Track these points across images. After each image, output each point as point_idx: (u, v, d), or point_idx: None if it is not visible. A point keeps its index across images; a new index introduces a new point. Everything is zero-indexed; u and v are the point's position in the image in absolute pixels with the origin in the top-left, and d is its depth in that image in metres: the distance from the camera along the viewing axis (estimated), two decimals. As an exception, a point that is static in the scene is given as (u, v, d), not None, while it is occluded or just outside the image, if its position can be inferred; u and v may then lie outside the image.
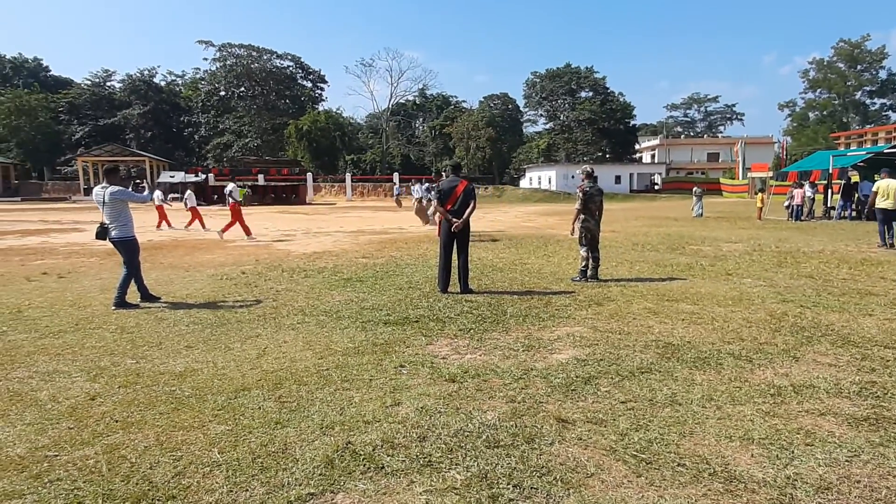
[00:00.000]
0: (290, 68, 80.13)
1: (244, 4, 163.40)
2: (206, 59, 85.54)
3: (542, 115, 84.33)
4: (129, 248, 6.98)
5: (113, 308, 6.63)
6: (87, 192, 55.69)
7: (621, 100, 75.55)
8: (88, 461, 2.98)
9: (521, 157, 79.18)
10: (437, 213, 8.43)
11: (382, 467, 2.91)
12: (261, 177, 49.89)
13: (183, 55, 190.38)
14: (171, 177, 54.44)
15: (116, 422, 3.48)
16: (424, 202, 21.42)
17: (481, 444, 3.16)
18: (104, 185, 6.89)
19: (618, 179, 58.68)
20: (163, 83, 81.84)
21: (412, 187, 28.01)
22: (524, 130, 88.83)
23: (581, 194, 8.40)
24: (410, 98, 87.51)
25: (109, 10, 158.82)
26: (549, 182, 58.99)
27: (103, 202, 6.81)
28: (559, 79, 77.46)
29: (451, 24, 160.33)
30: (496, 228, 18.96)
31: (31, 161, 71.08)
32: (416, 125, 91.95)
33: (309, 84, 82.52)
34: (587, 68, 77.46)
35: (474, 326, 5.75)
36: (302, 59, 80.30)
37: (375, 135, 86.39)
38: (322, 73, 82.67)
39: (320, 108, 79.34)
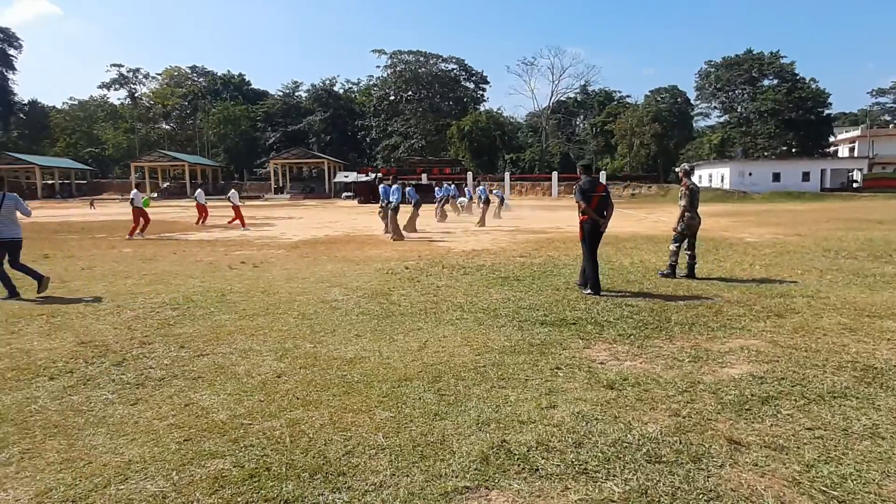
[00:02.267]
0: (455, 71, 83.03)
1: (413, 14, 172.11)
2: (378, 66, 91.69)
3: (715, 107, 78.13)
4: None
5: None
6: (278, 190, 62.65)
7: (812, 87, 67.34)
8: (275, 432, 3.36)
9: (690, 153, 73.96)
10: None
11: (537, 469, 2.90)
12: (424, 176, 52.30)
13: (359, 64, 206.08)
14: (346, 176, 59.20)
15: (297, 399, 3.88)
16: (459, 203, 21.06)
17: (641, 457, 3.02)
18: None
19: (805, 176, 51.61)
20: (341, 91, 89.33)
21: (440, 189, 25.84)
22: (694, 125, 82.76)
23: (688, 192, 8.43)
24: (571, 95, 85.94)
25: (301, 27, 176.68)
26: (722, 180, 54.07)
27: None
28: (738, 67, 71.04)
29: (616, 16, 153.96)
30: (660, 230, 17.92)
31: (233, 164, 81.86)
32: (577, 122, 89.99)
33: (471, 85, 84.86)
34: (771, 53, 70.18)
35: (635, 332, 5.50)
36: (465, 62, 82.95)
37: (535, 133, 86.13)
38: (484, 74, 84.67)
39: (482, 109, 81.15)
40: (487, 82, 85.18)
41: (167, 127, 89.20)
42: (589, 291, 7.34)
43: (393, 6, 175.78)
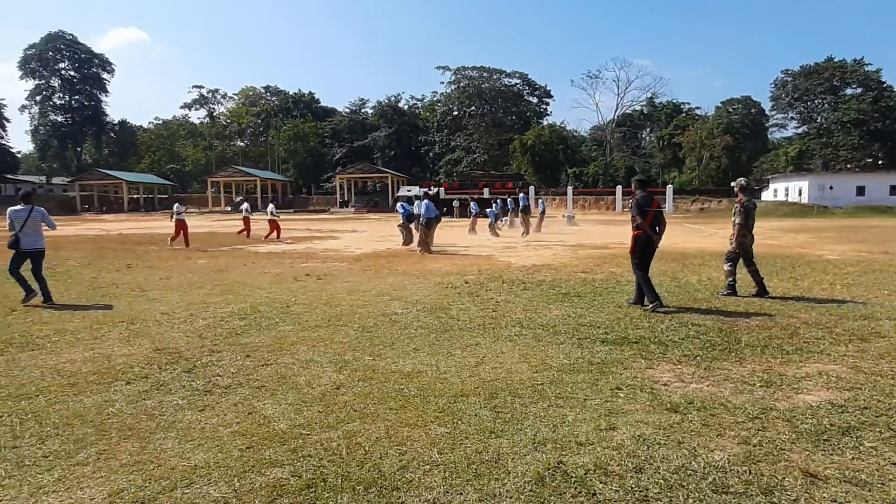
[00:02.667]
0: (518, 85, 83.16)
1: (478, 30, 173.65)
2: (442, 82, 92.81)
3: (793, 118, 74.50)
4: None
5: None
6: (343, 204, 64.39)
7: (902, 95, 62.95)
8: (332, 443, 3.42)
9: (765, 166, 70.61)
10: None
11: (594, 494, 2.82)
12: (486, 190, 52.34)
13: (424, 80, 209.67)
14: (409, 190, 60.04)
15: (355, 411, 3.93)
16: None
17: (706, 486, 2.87)
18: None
19: (894, 190, 48.08)
20: (405, 107, 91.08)
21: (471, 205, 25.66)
22: (769, 136, 79.14)
23: (742, 209, 8.13)
24: (637, 108, 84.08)
25: (369, 46, 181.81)
26: (800, 194, 51.18)
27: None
28: (817, 75, 67.58)
29: (686, 26, 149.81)
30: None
31: (302, 178, 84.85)
32: (643, 136, 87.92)
33: (535, 100, 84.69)
34: (855, 61, 66.43)
35: (701, 353, 5.27)
36: (529, 76, 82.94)
37: (599, 147, 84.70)
38: (548, 88, 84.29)
39: (545, 123, 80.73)
40: (551, 96, 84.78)
41: (241, 144, 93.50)
42: (649, 307, 7.15)
43: (459, 23, 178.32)
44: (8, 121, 78.60)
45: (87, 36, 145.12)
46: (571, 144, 79.82)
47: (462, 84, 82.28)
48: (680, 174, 75.75)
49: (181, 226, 18.20)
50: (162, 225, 35.68)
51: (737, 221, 8.17)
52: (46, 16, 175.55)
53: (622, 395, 4.21)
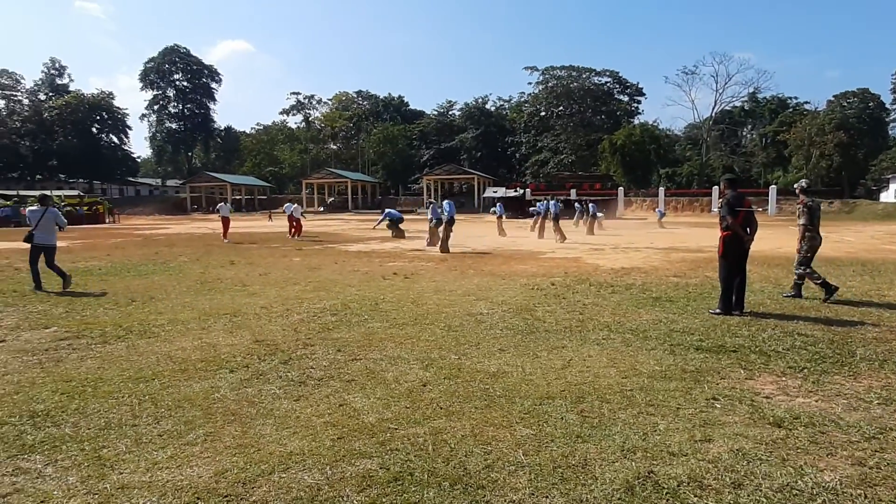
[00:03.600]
0: (608, 84, 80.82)
1: (568, 28, 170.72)
2: (530, 83, 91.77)
3: (918, 111, 67.29)
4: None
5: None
6: (430, 205, 65.30)
7: None
8: (418, 439, 3.48)
9: (884, 164, 64.26)
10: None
11: (688, 507, 2.69)
12: (573, 191, 51.38)
13: (511, 81, 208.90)
14: (494, 192, 60.07)
15: (441, 408, 3.99)
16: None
17: (814, 508, 2.67)
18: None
19: None
20: (492, 108, 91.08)
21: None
22: (889, 132, 72.04)
23: (806, 209, 8.08)
24: (738, 104, 79.12)
25: (458, 48, 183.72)
26: (927, 195, 46.30)
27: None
28: (949, 63, 60.62)
29: (794, 14, 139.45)
30: (843, 251, 15.83)
31: (390, 180, 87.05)
32: (743, 133, 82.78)
33: (625, 98, 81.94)
34: None
35: (809, 365, 4.90)
36: (619, 74, 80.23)
37: (694, 146, 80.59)
38: (640, 85, 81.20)
39: (636, 122, 77.94)
40: (643, 94, 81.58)
41: (334, 147, 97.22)
42: (715, 311, 7.05)
43: (547, 22, 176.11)
44: (130, 128, 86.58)
45: (198, 48, 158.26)
46: (664, 144, 76.48)
47: (550, 84, 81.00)
48: (785, 174, 70.55)
49: (291, 220, 23.26)
50: (260, 225, 37.83)
51: (801, 223, 8.19)
52: (166, 31, 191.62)
53: (719, 405, 4.00)
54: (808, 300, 7.97)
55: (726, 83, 75.80)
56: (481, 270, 11.72)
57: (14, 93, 79.24)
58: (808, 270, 8.08)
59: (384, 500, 2.79)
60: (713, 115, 76.97)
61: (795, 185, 8.58)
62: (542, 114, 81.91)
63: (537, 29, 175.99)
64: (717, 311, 7.06)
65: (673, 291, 8.76)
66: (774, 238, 19.88)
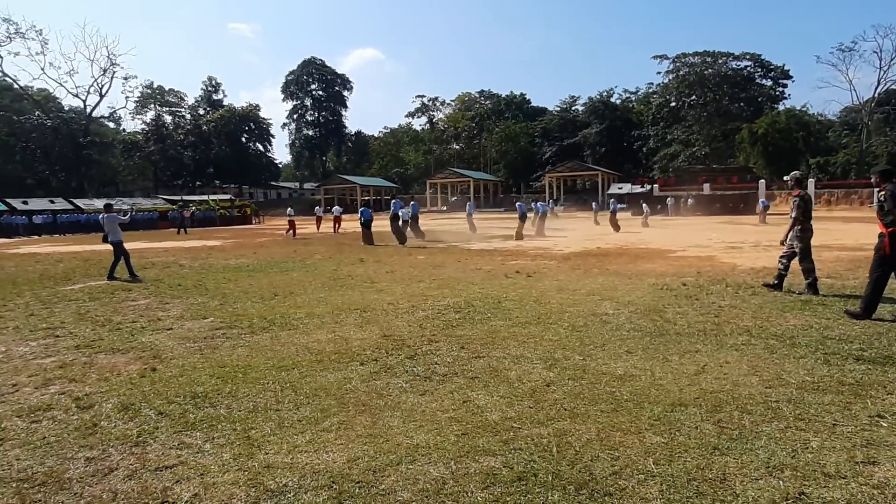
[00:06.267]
0: (748, 68, 74.36)
1: (699, 11, 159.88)
2: (659, 72, 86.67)
3: None
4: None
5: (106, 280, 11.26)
6: (553, 203, 64.49)
7: None
8: (542, 439, 3.45)
9: None
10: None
11: (846, 535, 2.42)
12: (706, 186, 48.11)
13: (637, 72, 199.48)
14: (619, 188, 57.98)
15: (565, 410, 3.91)
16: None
17: None
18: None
19: None
20: (618, 101, 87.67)
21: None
22: None
23: (801, 201, 7.95)
24: (907, 82, 69.38)
25: (581, 41, 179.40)
26: None
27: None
28: None
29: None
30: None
31: (512, 178, 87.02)
32: (915, 115, 72.40)
33: (768, 83, 74.94)
34: None
35: None
36: (761, 57, 73.52)
37: (852, 132, 71.85)
38: (785, 67, 73.89)
39: (780, 108, 71.18)
40: (789, 77, 73.96)
41: (457, 147, 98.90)
42: (853, 310, 6.40)
43: (678, 4, 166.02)
44: (273, 137, 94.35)
45: (333, 58, 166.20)
46: (814, 131, 69.05)
47: (681, 72, 76.07)
48: (969, 161, 60.91)
49: (291, 223, 27.22)
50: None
51: (793, 216, 8.05)
52: (304, 44, 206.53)
53: (885, 424, 3.54)
54: None
55: (892, 59, 66.78)
56: (606, 269, 11.34)
57: (179, 109, 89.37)
58: (806, 266, 8.09)
59: (508, 499, 2.79)
60: (876, 95, 68.01)
61: (787, 177, 8.25)
62: (672, 104, 77.28)
63: (667, 14, 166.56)
64: (856, 311, 6.40)
65: (826, 294, 7.91)
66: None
